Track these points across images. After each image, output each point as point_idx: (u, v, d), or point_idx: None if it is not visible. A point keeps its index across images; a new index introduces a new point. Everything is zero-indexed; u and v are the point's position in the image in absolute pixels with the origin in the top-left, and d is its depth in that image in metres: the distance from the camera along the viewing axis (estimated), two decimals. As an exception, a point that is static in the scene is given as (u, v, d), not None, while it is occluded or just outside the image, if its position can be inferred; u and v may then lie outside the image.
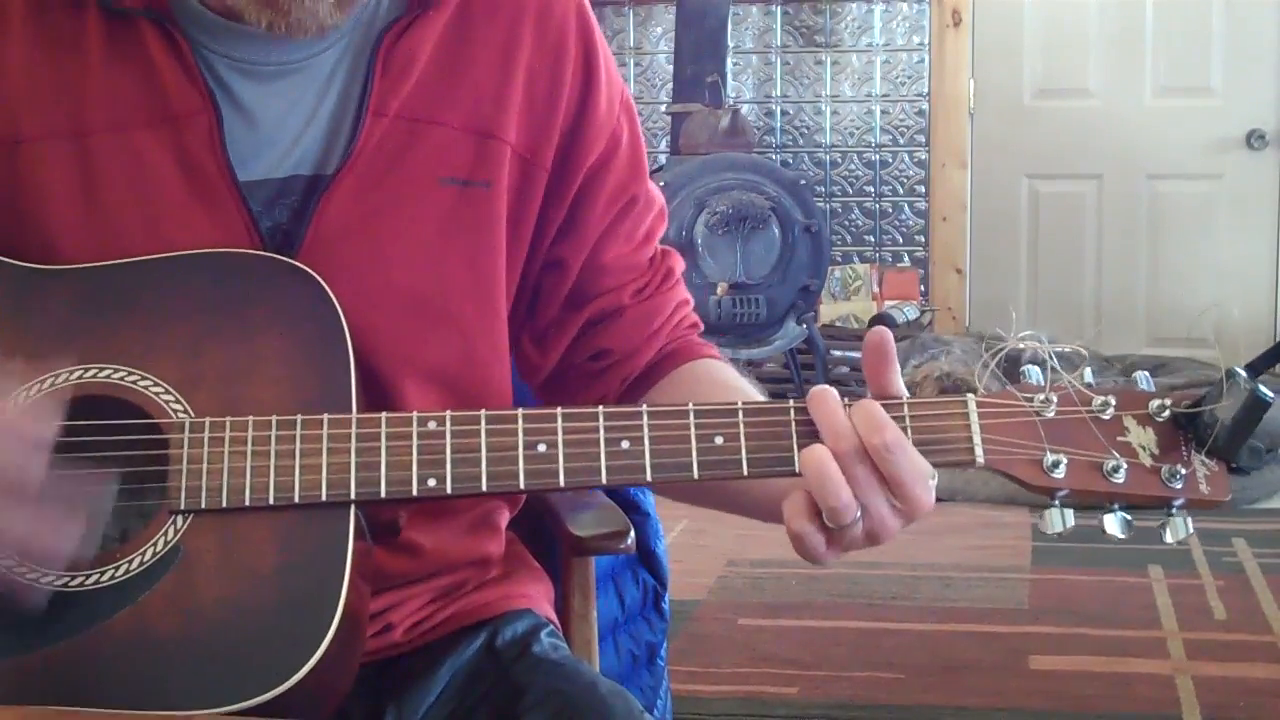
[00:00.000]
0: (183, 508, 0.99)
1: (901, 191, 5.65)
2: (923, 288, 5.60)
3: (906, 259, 5.66)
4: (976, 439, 1.00)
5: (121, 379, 1.02)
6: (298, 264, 1.07)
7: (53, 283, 1.07)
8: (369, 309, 1.10)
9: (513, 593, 1.25)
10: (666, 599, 1.66)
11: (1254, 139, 5.40)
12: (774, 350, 5.02)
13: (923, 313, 5.50)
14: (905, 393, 1.02)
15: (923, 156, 5.60)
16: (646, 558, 1.61)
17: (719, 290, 4.80)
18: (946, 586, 3.54)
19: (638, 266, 1.25)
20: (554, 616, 1.30)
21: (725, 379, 1.22)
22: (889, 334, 1.01)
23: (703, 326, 1.30)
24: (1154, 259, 5.50)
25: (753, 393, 1.17)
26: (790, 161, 5.65)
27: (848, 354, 5.23)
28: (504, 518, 1.27)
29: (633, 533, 1.37)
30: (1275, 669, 3.00)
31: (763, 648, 3.14)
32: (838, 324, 5.40)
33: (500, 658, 1.20)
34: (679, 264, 1.29)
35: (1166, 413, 1.01)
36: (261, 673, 0.94)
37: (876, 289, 5.54)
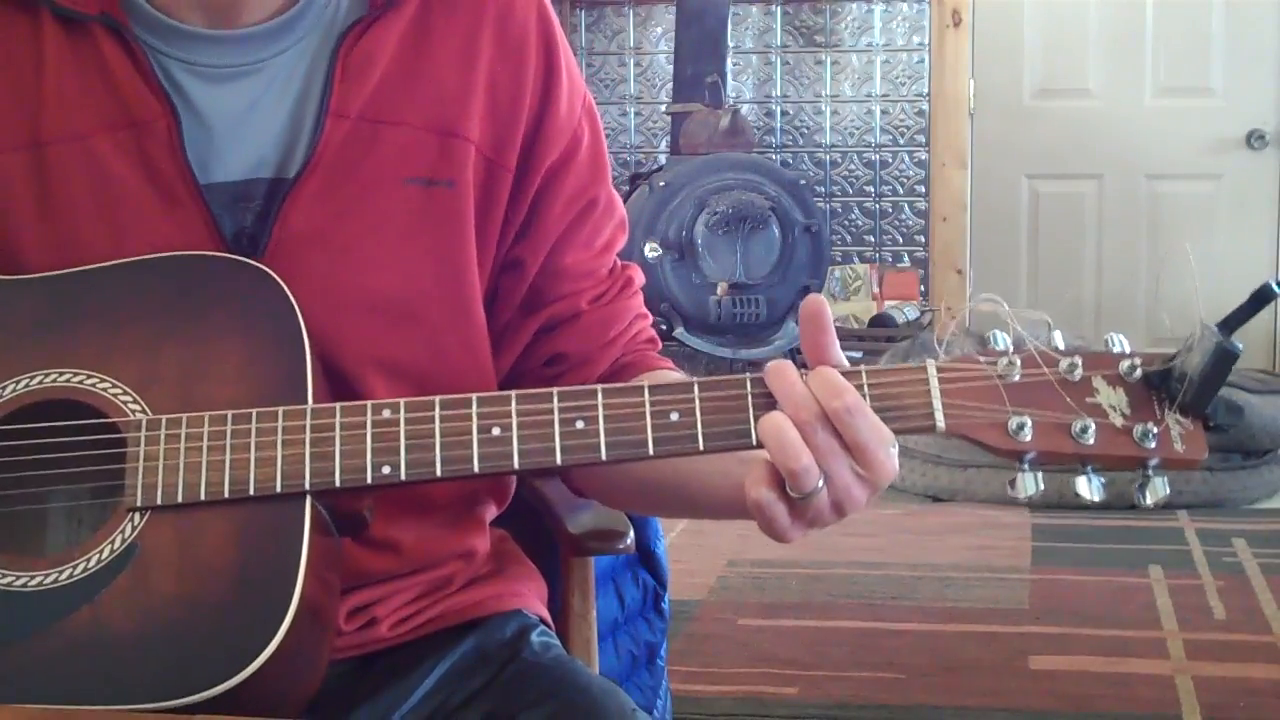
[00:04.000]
0: (139, 504, 0.99)
1: (901, 191, 5.65)
2: (923, 288, 5.60)
3: (906, 259, 5.66)
4: (936, 404, 0.99)
5: (80, 382, 1.02)
6: (254, 263, 1.07)
7: (11, 291, 1.07)
8: (336, 311, 1.10)
9: (504, 591, 1.25)
10: (666, 599, 1.66)
11: (1254, 139, 5.40)
12: (774, 350, 5.03)
13: (923, 313, 5.50)
14: (845, 361, 1.01)
15: (923, 156, 5.60)
16: (646, 558, 1.61)
17: (719, 290, 4.80)
18: (946, 586, 3.54)
19: (596, 274, 1.24)
20: (547, 615, 1.30)
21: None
22: (823, 302, 1.01)
23: (660, 344, 1.29)
24: (1154, 259, 5.51)
25: None
26: (790, 161, 5.65)
27: (848, 354, 5.21)
28: (489, 512, 1.26)
29: (633, 533, 1.37)
30: (1275, 669, 3.00)
31: (763, 648, 3.14)
32: (837, 324, 5.38)
33: (491, 658, 1.19)
34: (639, 277, 1.29)
35: (1138, 372, 1.00)
36: (215, 666, 0.95)
37: (876, 289, 5.55)
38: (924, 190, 5.62)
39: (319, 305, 1.06)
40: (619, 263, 1.27)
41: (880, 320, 5.37)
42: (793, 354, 5.10)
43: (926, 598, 3.45)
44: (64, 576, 0.98)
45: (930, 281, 5.61)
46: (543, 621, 1.27)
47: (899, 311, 5.40)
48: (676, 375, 1.23)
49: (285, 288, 1.05)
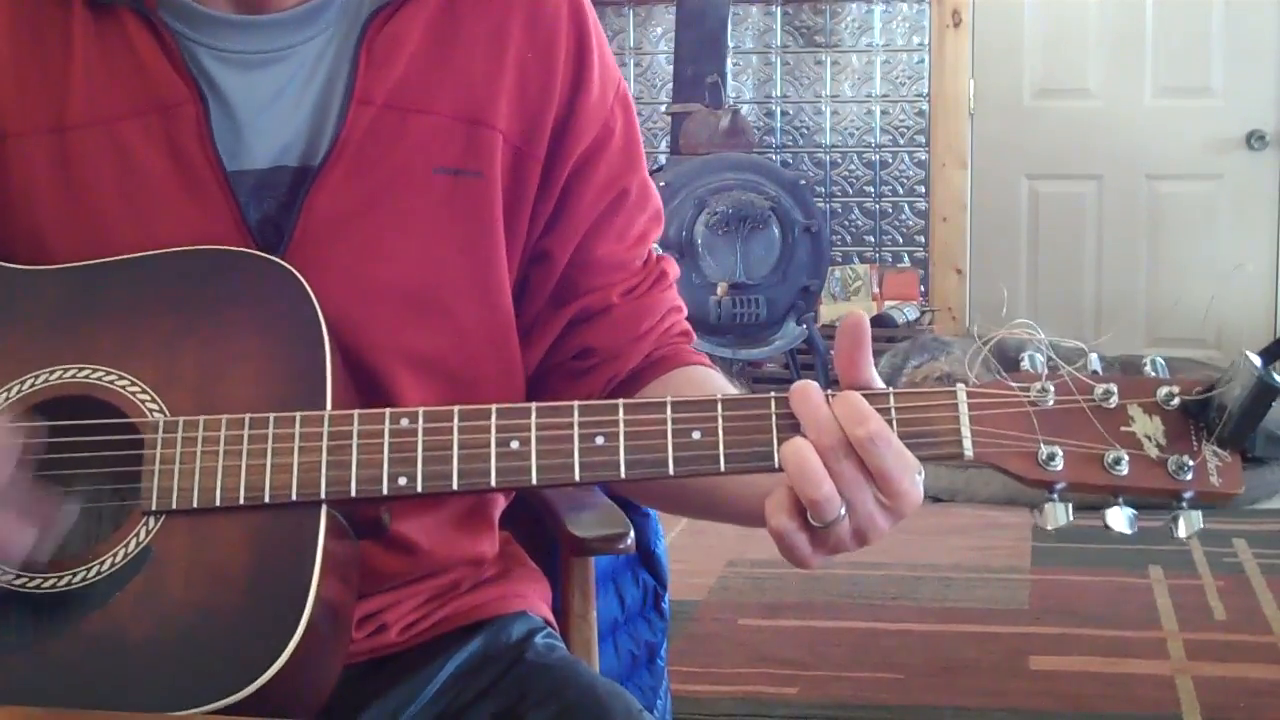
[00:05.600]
0: (154, 508, 0.98)
1: (901, 191, 5.65)
2: (923, 288, 5.60)
3: (906, 259, 5.66)
4: (965, 431, 0.96)
5: (99, 379, 1.01)
6: (276, 260, 1.06)
7: (33, 283, 1.07)
8: (361, 301, 1.09)
9: (509, 593, 1.25)
10: (666, 599, 1.66)
11: (1254, 139, 5.40)
12: (774, 350, 5.02)
13: (923, 313, 5.50)
14: (879, 382, 0.98)
15: (923, 157, 5.60)
16: (646, 558, 1.61)
17: (719, 290, 4.80)
18: (946, 586, 3.54)
19: (628, 266, 1.22)
20: (551, 617, 1.30)
21: (716, 385, 1.20)
22: (865, 319, 0.98)
23: (694, 337, 1.26)
24: (1154, 259, 5.51)
25: None
26: (790, 161, 5.65)
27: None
28: (497, 509, 1.26)
29: (633, 533, 1.37)
30: (1275, 669, 3.00)
31: (763, 648, 3.14)
32: (838, 324, 5.39)
33: (496, 659, 1.19)
34: (674, 269, 1.26)
35: (1175, 400, 0.96)
36: (226, 677, 0.94)
37: (876, 289, 5.54)
38: (924, 190, 5.62)
39: (344, 295, 1.05)
40: (654, 254, 1.25)
41: (880, 320, 5.36)
42: (792, 354, 5.10)
43: (926, 598, 3.46)
44: (77, 579, 0.97)
45: (930, 281, 5.61)
46: (547, 624, 1.27)
47: (899, 311, 5.40)
48: (713, 376, 1.22)
49: (308, 287, 1.04)
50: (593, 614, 1.40)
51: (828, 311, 5.40)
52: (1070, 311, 5.50)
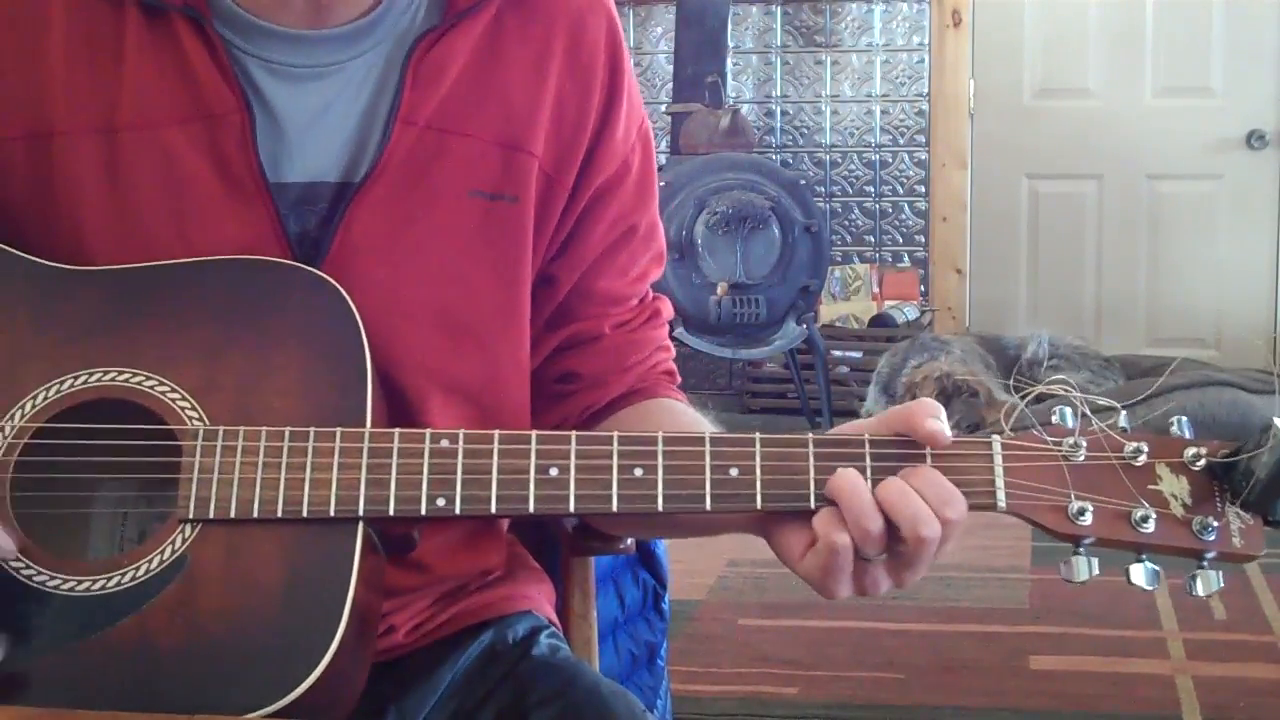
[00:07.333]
0: (191, 516, 0.98)
1: (901, 191, 5.65)
2: (923, 288, 5.60)
3: (906, 259, 5.66)
4: (999, 482, 0.98)
5: (139, 383, 1.01)
6: (320, 274, 1.06)
7: (76, 284, 1.07)
8: (393, 320, 1.09)
9: (514, 594, 1.25)
10: (666, 599, 1.66)
11: (1254, 139, 5.40)
12: (774, 350, 5.03)
13: (923, 313, 5.50)
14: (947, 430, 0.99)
15: (923, 156, 5.60)
16: (646, 558, 1.61)
17: (719, 290, 4.80)
18: (946, 586, 3.55)
19: (625, 302, 1.24)
20: (555, 618, 1.30)
21: (692, 419, 1.21)
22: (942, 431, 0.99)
23: (678, 378, 1.28)
24: (1154, 259, 5.51)
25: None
26: (790, 161, 5.65)
27: (847, 354, 5.23)
28: (506, 523, 1.27)
29: (633, 532, 1.37)
30: (1275, 669, 3.00)
31: (763, 648, 3.14)
32: (837, 324, 5.41)
33: (501, 660, 1.20)
34: (667, 309, 1.28)
35: (1202, 461, 0.98)
36: (257, 690, 0.94)
37: (876, 289, 5.54)
38: (924, 190, 5.62)
39: (376, 313, 1.05)
40: (650, 293, 1.27)
41: (880, 320, 5.36)
42: (792, 354, 5.10)
43: (926, 598, 3.46)
44: (111, 584, 0.97)
45: (930, 281, 5.61)
46: (551, 624, 1.28)
47: (899, 311, 5.40)
48: (689, 411, 1.23)
49: (351, 302, 1.04)
50: (593, 614, 1.40)
51: (828, 311, 5.41)
52: (1070, 311, 5.50)
